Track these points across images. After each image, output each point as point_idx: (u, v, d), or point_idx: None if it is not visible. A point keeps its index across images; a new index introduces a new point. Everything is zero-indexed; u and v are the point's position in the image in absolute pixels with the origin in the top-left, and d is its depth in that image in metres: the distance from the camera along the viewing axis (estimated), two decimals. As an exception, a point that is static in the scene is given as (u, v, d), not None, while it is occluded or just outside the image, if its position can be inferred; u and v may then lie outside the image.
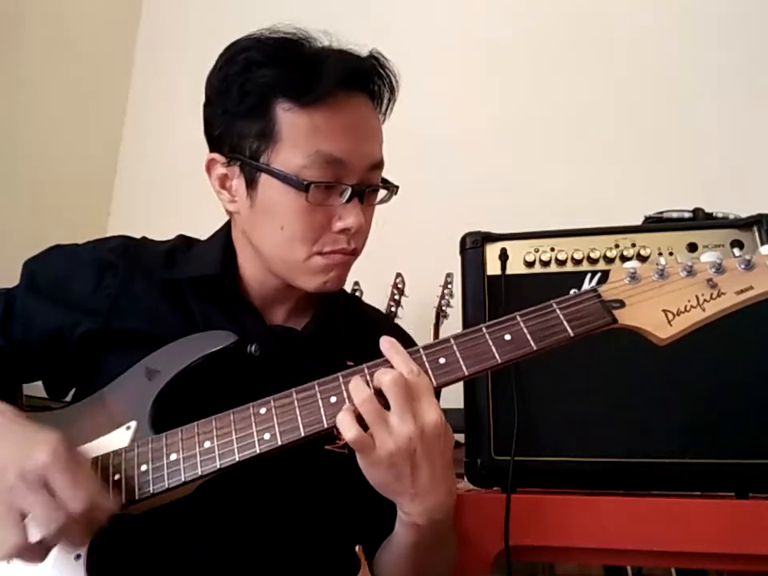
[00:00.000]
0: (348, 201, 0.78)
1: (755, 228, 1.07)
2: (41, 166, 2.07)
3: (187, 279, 0.84)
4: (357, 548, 0.91)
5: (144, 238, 0.93)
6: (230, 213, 0.88)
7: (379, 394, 0.65)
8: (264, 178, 0.78)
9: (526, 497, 0.96)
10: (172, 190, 2.26)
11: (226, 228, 0.90)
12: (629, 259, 1.08)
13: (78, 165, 2.24)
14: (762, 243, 1.04)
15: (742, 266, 0.68)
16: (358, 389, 0.65)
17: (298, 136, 0.76)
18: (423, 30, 2.25)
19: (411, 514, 0.69)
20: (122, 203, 2.41)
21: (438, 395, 0.93)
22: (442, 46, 2.22)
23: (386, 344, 0.68)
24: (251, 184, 0.79)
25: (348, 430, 0.63)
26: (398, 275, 1.85)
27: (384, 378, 0.64)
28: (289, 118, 0.77)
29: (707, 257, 0.68)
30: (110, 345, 0.80)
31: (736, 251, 0.68)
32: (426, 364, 0.67)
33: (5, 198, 1.91)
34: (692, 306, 0.67)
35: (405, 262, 1.90)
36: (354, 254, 0.82)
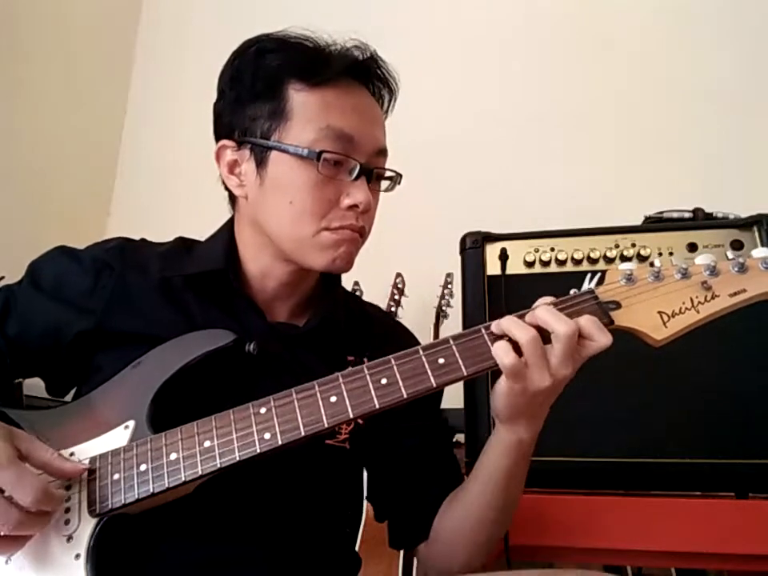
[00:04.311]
0: (356, 178, 0.80)
1: (755, 228, 1.07)
2: (41, 166, 2.07)
3: (187, 277, 0.84)
4: (357, 547, 0.91)
5: (143, 240, 0.93)
6: (233, 202, 0.89)
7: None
8: (274, 156, 0.80)
9: (525, 497, 0.96)
10: (172, 190, 2.26)
11: (228, 226, 0.91)
12: (629, 259, 1.08)
13: (78, 165, 2.23)
14: (762, 243, 1.04)
15: (736, 269, 0.68)
16: (522, 328, 0.66)
17: (309, 113, 0.80)
18: (423, 29, 2.25)
19: (520, 432, 0.72)
20: (122, 203, 2.41)
21: (440, 395, 0.94)
22: (442, 45, 2.22)
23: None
24: (261, 163, 0.81)
25: (505, 355, 0.65)
26: (398, 275, 1.85)
27: (561, 328, 0.65)
28: (301, 97, 0.80)
29: (702, 259, 0.69)
30: (105, 345, 0.81)
31: (729, 254, 0.68)
32: (425, 365, 0.67)
33: (4, 198, 1.91)
34: (686, 308, 0.67)
35: (405, 262, 1.89)
36: (362, 233, 0.83)
